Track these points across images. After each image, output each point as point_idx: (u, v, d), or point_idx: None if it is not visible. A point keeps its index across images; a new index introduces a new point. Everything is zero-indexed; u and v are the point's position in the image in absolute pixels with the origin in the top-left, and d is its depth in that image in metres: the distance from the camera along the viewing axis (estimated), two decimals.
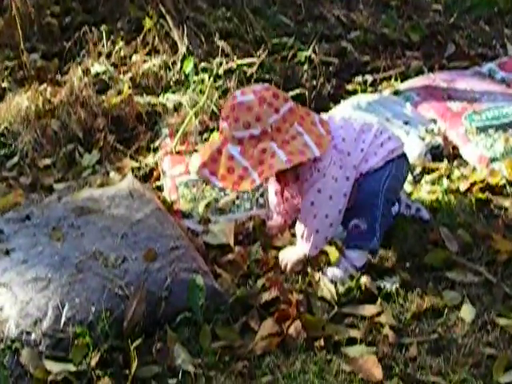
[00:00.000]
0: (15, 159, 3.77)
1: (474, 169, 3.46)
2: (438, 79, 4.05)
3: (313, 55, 4.07)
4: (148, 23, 4.20)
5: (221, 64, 3.76)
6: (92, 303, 2.69)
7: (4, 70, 4.34)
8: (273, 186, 3.16)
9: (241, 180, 2.75)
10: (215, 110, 3.77)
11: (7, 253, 2.96)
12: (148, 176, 3.63)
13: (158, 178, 3.58)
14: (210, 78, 3.78)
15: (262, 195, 3.33)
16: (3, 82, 4.28)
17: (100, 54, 4.24)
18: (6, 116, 3.84)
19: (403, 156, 3.03)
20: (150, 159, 3.70)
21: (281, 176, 2.99)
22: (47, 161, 3.76)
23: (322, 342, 2.63)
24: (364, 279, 2.87)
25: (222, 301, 2.82)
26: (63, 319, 2.66)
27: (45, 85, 4.07)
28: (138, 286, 2.74)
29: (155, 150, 3.78)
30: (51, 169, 3.71)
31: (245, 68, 3.86)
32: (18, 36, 4.35)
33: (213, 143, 2.89)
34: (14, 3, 4.29)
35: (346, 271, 2.92)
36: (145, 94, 3.95)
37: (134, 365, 2.55)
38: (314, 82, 4.04)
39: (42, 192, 3.51)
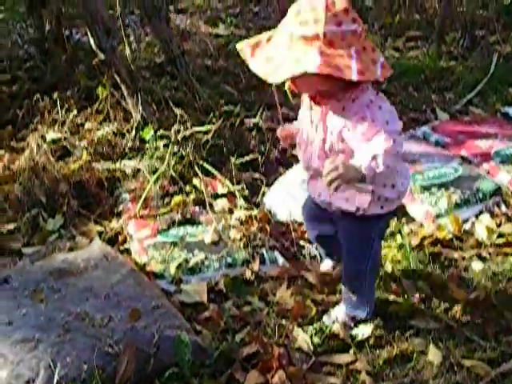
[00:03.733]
0: None
1: (422, 225, 3.73)
2: None
3: (260, 122, 4.29)
4: (102, 92, 4.35)
5: (178, 131, 3.93)
6: (83, 362, 2.76)
7: None
8: (305, 104, 2.91)
9: (274, 71, 2.58)
10: (174, 175, 3.95)
11: None
12: (113, 240, 3.72)
13: (125, 242, 3.69)
14: (168, 145, 3.94)
15: (229, 255, 3.49)
16: None
17: (54, 122, 4.35)
18: None
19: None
20: (114, 223, 3.81)
21: (318, 92, 2.75)
22: (11, 226, 3.80)
23: None
24: (338, 329, 3.07)
25: (206, 355, 2.93)
26: (56, 378, 2.71)
27: (2, 151, 4.15)
28: (126, 343, 2.83)
29: (118, 214, 3.89)
30: (16, 233, 3.76)
31: (199, 135, 4.04)
32: None
33: (266, 33, 2.72)
34: None
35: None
36: (102, 161, 4.08)
37: None
38: (263, 148, 4.27)
39: (12, 256, 3.56)
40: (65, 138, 4.20)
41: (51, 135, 4.21)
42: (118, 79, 4.23)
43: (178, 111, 3.98)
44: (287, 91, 2.83)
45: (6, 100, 4.79)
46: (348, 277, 3.07)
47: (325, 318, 3.14)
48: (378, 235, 3.03)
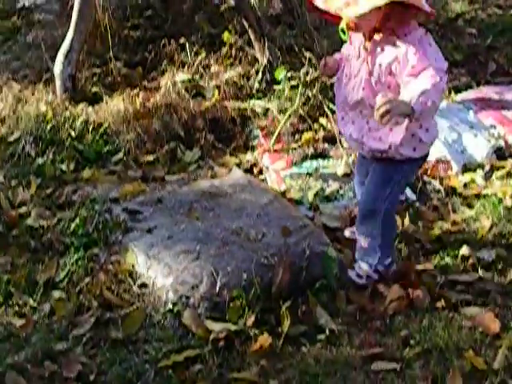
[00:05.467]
0: (120, 155, 4.11)
1: None
2: (490, 92, 4.55)
3: None
4: (228, 37, 4.63)
5: (307, 73, 4.20)
6: (243, 271, 3.04)
7: (92, 77, 4.71)
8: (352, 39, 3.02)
9: (346, 6, 2.70)
10: (303, 114, 4.22)
11: (149, 231, 3.31)
12: (249, 170, 4.03)
13: (260, 173, 4.00)
14: (296, 86, 4.22)
15: None
16: (93, 86, 4.64)
17: (183, 64, 4.64)
18: (105, 117, 4.20)
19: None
20: (248, 156, 4.12)
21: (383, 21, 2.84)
22: (150, 157, 4.11)
23: (443, 303, 3.05)
24: (465, 251, 3.34)
25: (345, 269, 3.22)
26: (218, 284, 2.99)
27: (136, 90, 4.47)
28: (281, 256, 3.11)
29: (251, 148, 4.21)
30: (155, 164, 4.07)
31: (324, 78, 4.28)
32: (102, 45, 4.76)
33: None
34: (98, 15, 4.67)
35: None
36: (231, 100, 4.37)
37: (287, 323, 2.91)
38: None
39: (156, 182, 3.86)
40: (194, 79, 4.49)
41: (181, 76, 4.50)
42: (246, 24, 4.50)
43: (307, 54, 4.23)
44: (344, 29, 2.83)
45: (132, 44, 5.08)
46: (361, 218, 3.19)
47: (350, 273, 3.24)
48: (400, 180, 3.12)
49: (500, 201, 3.68)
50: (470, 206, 3.72)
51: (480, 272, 3.26)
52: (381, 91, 2.85)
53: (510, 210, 3.62)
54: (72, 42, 4.37)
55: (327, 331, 2.94)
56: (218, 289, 3.00)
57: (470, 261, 3.32)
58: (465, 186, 3.85)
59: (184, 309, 2.97)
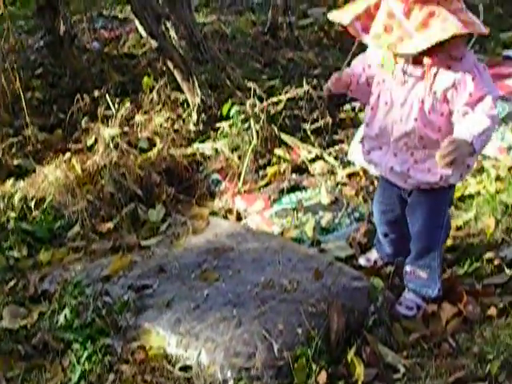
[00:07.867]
0: (75, 229, 3.66)
1: (496, 159, 3.96)
2: None
3: (311, 90, 4.31)
4: (147, 82, 4.29)
5: (254, 105, 3.95)
6: (298, 325, 2.78)
7: (10, 148, 4.20)
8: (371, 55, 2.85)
9: (399, 41, 2.48)
10: (259, 148, 3.99)
11: (168, 305, 2.96)
12: (225, 217, 3.73)
13: (239, 218, 3.72)
14: (249, 119, 3.95)
15: (354, 210, 3.62)
16: (13, 159, 4.14)
17: (106, 118, 4.24)
18: (44, 189, 3.74)
19: None
20: (217, 203, 3.84)
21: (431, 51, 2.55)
22: (110, 224, 3.70)
23: (494, 311, 2.99)
24: (487, 254, 3.30)
25: (390, 299, 3.08)
26: (276, 347, 2.71)
27: (67, 154, 4.03)
28: (329, 301, 2.87)
29: (214, 194, 3.92)
30: (119, 231, 3.68)
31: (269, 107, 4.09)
32: (7, 112, 4.26)
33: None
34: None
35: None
36: (172, 147, 4.04)
37: (362, 371, 2.70)
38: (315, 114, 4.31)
39: (135, 251, 3.47)
40: (125, 132, 4.13)
41: (110, 131, 4.10)
42: (170, 65, 4.18)
43: (252, 85, 3.99)
44: (386, 59, 2.68)
45: (38, 107, 4.63)
46: (420, 253, 3.05)
47: (398, 307, 3.10)
48: (449, 205, 3.06)
49: (492, 197, 3.64)
50: (460, 208, 3.67)
51: (508, 271, 3.20)
52: (434, 122, 2.70)
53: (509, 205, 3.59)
54: None
55: (401, 369, 2.75)
56: (276, 351, 2.71)
57: (495, 262, 3.26)
58: None
59: (250, 383, 2.66)
